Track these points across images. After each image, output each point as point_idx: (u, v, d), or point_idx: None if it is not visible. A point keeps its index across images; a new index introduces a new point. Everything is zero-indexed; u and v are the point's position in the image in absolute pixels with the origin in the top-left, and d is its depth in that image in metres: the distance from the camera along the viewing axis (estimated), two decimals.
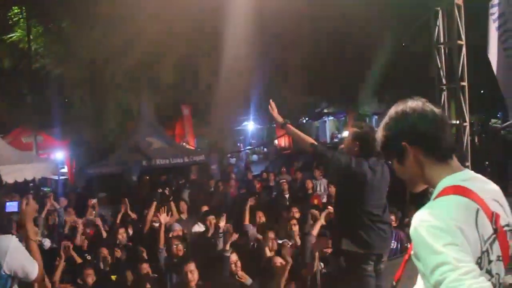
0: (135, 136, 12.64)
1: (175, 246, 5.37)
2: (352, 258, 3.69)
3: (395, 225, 5.52)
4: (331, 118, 30.57)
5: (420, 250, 1.34)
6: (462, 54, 7.21)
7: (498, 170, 10.07)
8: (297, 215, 6.34)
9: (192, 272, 4.43)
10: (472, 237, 1.35)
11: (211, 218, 6.10)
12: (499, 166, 10.47)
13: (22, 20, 15.52)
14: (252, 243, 6.12)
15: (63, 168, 13.69)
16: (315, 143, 3.82)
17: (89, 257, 5.88)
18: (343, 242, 3.70)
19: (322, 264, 4.90)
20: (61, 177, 12.75)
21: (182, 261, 4.71)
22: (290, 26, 12.40)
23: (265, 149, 27.47)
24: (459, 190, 1.44)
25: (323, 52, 14.23)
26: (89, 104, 14.98)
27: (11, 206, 3.07)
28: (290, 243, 5.64)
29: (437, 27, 7.38)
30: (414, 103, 1.59)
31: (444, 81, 7.43)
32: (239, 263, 5.00)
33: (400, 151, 1.57)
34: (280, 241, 5.65)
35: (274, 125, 21.99)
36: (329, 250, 4.79)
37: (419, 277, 1.53)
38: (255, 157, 26.05)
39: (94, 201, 8.42)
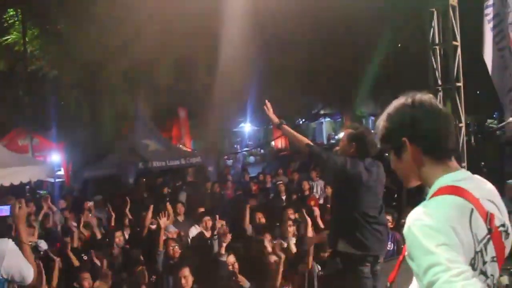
0: (131, 138, 12.60)
1: (171, 248, 5.36)
2: (349, 260, 3.67)
3: (392, 226, 5.51)
4: (327, 119, 30.65)
5: (413, 251, 1.33)
6: (458, 55, 7.24)
7: (494, 170, 10.07)
8: (292, 216, 6.33)
9: (186, 278, 4.41)
10: (465, 237, 1.34)
11: (207, 220, 6.08)
12: (495, 166, 10.47)
13: (17, 22, 15.46)
14: (250, 244, 6.10)
15: (59, 170, 13.62)
16: (311, 143, 3.82)
17: (85, 257, 5.85)
18: (340, 243, 3.68)
19: (319, 266, 4.90)
20: (57, 180, 12.70)
21: (178, 265, 4.69)
22: (286, 28, 12.41)
23: (262, 151, 27.44)
24: (454, 190, 1.42)
25: (320, 53, 14.25)
26: (85, 106, 14.94)
27: (3, 210, 3.05)
28: (285, 244, 5.64)
29: (432, 28, 7.41)
30: (423, 97, 1.52)
31: (439, 81, 7.45)
32: (236, 265, 4.99)
33: (399, 146, 1.52)
34: (275, 242, 5.64)
35: (271, 127, 21.96)
36: (326, 254, 4.78)
37: (414, 278, 1.50)
38: (252, 158, 25.96)
39: (90, 203, 8.38)
